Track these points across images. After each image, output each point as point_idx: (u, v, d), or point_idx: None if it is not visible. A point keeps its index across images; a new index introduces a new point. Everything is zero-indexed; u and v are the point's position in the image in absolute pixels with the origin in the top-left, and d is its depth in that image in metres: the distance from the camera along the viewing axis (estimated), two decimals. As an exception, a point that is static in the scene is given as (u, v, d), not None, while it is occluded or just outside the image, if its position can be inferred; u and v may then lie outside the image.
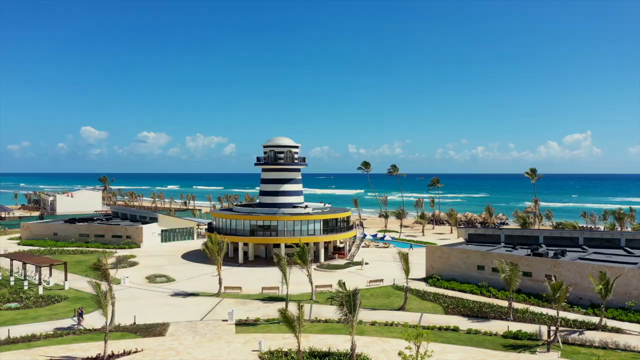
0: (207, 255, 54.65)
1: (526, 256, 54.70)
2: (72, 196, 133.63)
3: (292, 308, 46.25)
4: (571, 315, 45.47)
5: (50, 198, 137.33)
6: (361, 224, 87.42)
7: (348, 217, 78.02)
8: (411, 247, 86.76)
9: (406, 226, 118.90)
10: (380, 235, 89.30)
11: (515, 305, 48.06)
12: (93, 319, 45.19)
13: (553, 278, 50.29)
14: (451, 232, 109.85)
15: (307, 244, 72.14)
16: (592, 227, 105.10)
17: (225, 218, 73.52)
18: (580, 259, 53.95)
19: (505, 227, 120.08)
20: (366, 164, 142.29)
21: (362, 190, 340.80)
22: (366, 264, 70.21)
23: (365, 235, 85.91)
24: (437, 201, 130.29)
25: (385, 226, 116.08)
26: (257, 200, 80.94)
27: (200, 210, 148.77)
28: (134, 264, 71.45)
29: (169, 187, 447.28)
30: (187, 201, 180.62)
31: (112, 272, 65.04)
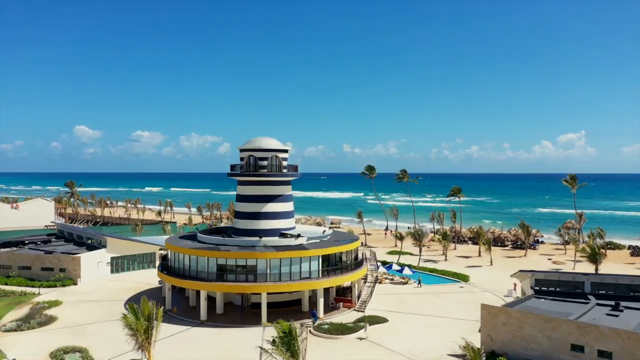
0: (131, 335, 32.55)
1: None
2: (17, 207, 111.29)
3: None
4: None
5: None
6: (374, 257, 65.89)
7: (357, 249, 56.38)
8: (419, 283, 65.23)
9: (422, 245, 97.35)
10: (396, 266, 68.13)
11: None
12: None
13: None
14: (479, 255, 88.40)
15: (300, 293, 50.98)
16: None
17: (181, 253, 51.59)
18: None
19: (543, 244, 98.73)
20: (370, 169, 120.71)
21: (361, 193, 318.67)
22: (384, 321, 48.61)
23: (377, 267, 64.69)
24: (455, 213, 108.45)
25: (399, 247, 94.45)
26: (232, 224, 59.30)
27: (175, 223, 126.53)
28: (48, 320, 49.36)
29: (147, 188, 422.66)
30: (165, 207, 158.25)
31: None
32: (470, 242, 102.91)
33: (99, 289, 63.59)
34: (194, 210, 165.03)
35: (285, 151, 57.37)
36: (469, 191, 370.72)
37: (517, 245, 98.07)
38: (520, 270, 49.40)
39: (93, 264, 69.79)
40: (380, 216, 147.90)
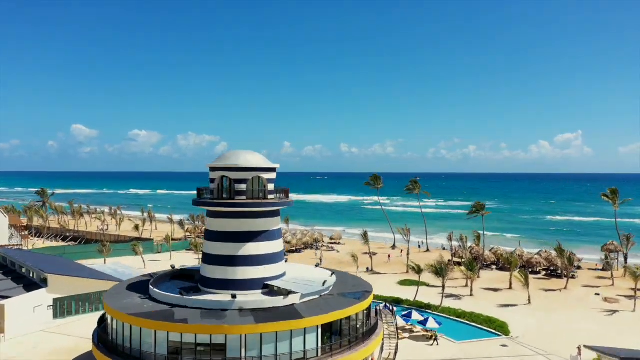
0: None
1: None
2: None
3: None
4: None
5: None
6: (392, 310, 50.66)
7: (370, 307, 41.12)
8: (435, 339, 49.92)
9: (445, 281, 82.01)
10: (417, 315, 52.95)
11: None
12: None
13: None
14: (510, 287, 73.27)
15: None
16: None
17: (120, 320, 36.02)
18: None
19: (579, 271, 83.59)
20: (376, 179, 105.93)
21: (360, 197, 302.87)
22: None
23: (394, 319, 49.62)
24: (479, 234, 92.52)
25: (411, 274, 79.24)
26: (200, 271, 43.70)
27: (151, 240, 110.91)
28: None
29: (132, 190, 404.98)
30: (144, 220, 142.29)
31: None
32: (494, 267, 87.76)
33: (26, 352, 48.00)
34: (176, 217, 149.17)
35: (272, 170, 42.08)
36: (469, 195, 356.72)
37: (551, 272, 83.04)
38: (610, 356, 33.95)
39: (27, 310, 54.30)
40: (383, 224, 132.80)
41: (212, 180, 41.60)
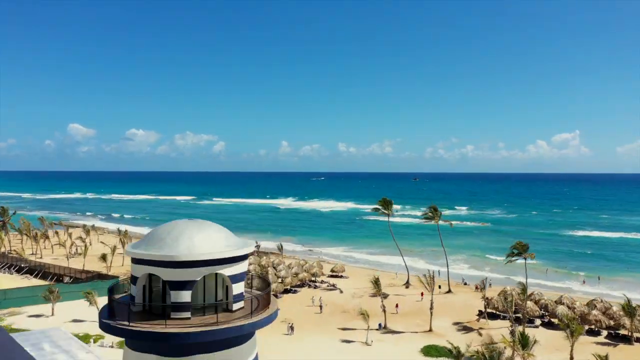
0: None
1: None
2: None
3: None
4: None
5: None
6: None
7: None
8: None
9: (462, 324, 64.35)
10: None
11: None
12: None
13: None
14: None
15: None
16: None
17: None
18: None
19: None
20: (386, 204, 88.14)
21: (361, 205, 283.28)
22: None
23: None
24: (524, 287, 73.80)
25: (436, 331, 61.41)
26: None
27: (117, 278, 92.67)
28: None
29: (113, 195, 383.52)
30: (120, 240, 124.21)
31: None
32: (539, 321, 70.10)
33: None
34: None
35: (241, 259, 24.07)
36: (469, 199, 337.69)
37: (614, 330, 65.33)
38: None
39: None
40: (388, 241, 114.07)
41: (134, 280, 23.70)
